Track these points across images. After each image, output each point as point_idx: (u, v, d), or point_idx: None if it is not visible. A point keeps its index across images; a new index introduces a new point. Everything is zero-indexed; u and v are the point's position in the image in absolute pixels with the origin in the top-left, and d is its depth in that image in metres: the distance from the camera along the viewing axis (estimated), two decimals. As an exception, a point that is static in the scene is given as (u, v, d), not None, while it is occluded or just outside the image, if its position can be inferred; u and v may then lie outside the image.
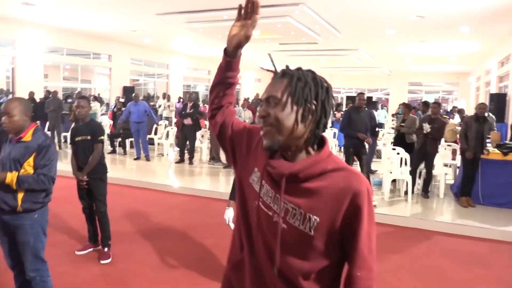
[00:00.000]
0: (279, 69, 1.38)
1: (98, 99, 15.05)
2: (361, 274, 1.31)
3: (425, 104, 10.35)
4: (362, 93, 7.25)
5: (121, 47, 18.21)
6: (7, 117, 2.77)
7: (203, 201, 7.11)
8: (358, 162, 6.99)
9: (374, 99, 28.07)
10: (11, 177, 2.73)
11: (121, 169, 9.63)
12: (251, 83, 28.77)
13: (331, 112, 1.35)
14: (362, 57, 19.96)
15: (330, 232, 1.29)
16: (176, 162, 10.22)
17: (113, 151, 11.27)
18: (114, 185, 7.75)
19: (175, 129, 11.72)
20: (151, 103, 15.53)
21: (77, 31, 15.51)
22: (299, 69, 1.34)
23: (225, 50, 1.49)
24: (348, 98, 24.40)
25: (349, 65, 23.63)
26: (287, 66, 1.36)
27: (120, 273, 4.12)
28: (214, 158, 10.17)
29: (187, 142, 10.11)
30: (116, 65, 18.64)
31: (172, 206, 6.75)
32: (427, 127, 7.06)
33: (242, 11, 1.44)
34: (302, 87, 1.28)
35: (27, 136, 2.83)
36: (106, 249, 4.45)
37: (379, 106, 17.32)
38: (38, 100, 12.68)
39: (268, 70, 1.48)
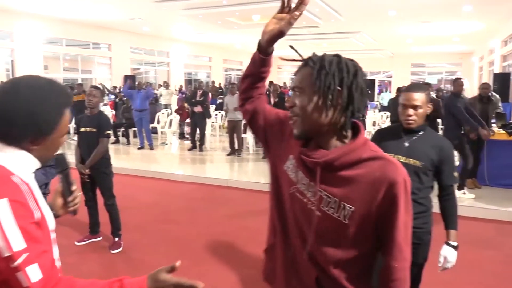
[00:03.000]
0: (305, 57, 1.34)
1: (100, 89, 14.99)
2: (398, 265, 1.31)
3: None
4: (459, 78, 6.70)
5: (121, 36, 18.11)
6: None
7: (209, 189, 7.11)
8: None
9: (377, 82, 28.00)
10: None
11: (125, 158, 9.62)
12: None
13: (362, 97, 1.29)
14: (364, 39, 19.80)
15: (364, 221, 1.28)
16: (189, 149, 10.22)
17: (117, 141, 11.27)
18: (118, 175, 7.71)
19: (178, 117, 11.69)
20: (155, 91, 15.48)
21: (75, 21, 15.41)
22: (323, 56, 1.29)
23: (259, 44, 1.45)
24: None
25: (351, 48, 23.40)
26: (313, 54, 1.32)
27: (130, 262, 4.14)
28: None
29: (197, 129, 10.09)
30: (116, 55, 18.56)
31: (178, 194, 6.75)
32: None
33: (285, 3, 1.38)
34: (324, 74, 1.25)
35: None
36: (116, 239, 4.48)
37: (384, 89, 17.16)
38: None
39: (288, 60, 1.42)
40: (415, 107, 2.31)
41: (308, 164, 1.32)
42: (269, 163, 1.54)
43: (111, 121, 11.72)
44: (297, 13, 1.36)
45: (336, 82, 1.25)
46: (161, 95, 15.60)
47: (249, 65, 1.55)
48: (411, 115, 2.31)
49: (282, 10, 1.39)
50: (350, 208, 1.27)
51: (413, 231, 2.15)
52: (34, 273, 1.06)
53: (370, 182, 1.25)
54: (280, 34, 1.39)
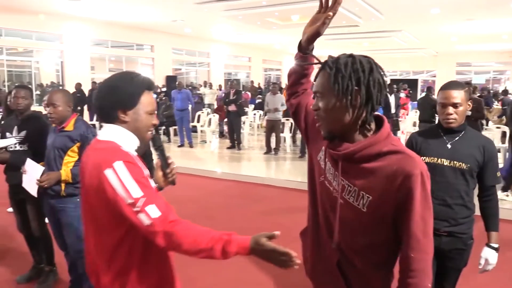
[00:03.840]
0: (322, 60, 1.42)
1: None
2: (415, 255, 1.34)
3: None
4: None
5: (163, 37, 18.57)
6: (52, 108, 2.93)
7: (245, 186, 7.22)
8: None
9: (420, 82, 27.23)
10: (65, 174, 2.92)
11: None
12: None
13: (381, 90, 1.35)
14: (405, 38, 19.33)
15: (381, 211, 1.35)
16: (228, 148, 10.40)
17: (158, 139, 11.58)
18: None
19: (217, 116, 11.90)
20: (197, 92, 15.80)
21: (120, 23, 15.96)
22: (337, 59, 1.35)
23: (299, 43, 1.55)
24: (392, 81, 23.72)
25: (392, 47, 22.93)
26: (329, 57, 1.38)
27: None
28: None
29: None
30: (159, 55, 19.05)
31: (216, 191, 6.90)
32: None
33: (323, 3, 1.46)
34: (341, 77, 1.31)
35: (69, 126, 2.98)
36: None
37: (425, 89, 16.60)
38: (86, 92, 13.23)
39: (316, 63, 1.53)
40: (454, 105, 2.18)
41: (333, 155, 1.43)
42: (308, 153, 1.67)
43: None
44: (331, 13, 1.42)
45: (353, 83, 1.31)
46: (204, 95, 15.88)
47: (295, 63, 1.65)
48: (451, 114, 2.19)
49: (319, 10, 1.46)
50: (368, 197, 1.35)
51: (459, 236, 2.22)
52: (153, 211, 1.34)
53: (388, 174, 1.32)
54: (316, 34, 1.47)
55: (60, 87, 14.49)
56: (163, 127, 11.69)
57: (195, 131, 11.90)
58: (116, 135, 1.51)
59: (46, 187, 2.91)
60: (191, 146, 10.63)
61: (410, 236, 1.34)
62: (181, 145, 10.71)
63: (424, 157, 2.23)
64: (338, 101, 1.33)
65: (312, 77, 1.72)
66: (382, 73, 1.37)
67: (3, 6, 12.75)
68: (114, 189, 1.35)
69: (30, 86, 15.02)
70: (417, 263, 1.35)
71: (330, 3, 1.43)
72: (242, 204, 6.12)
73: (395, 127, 9.49)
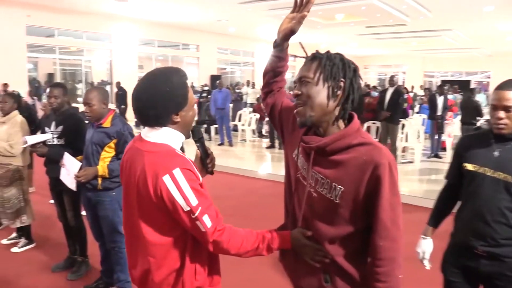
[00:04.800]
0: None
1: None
2: (383, 244, 1.38)
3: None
4: None
5: (208, 37, 18.85)
6: (88, 107, 3.02)
7: (282, 187, 7.12)
8: None
9: (473, 83, 26.01)
10: (102, 169, 3.01)
11: (205, 154, 10.03)
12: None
13: (358, 91, 1.45)
14: (457, 37, 18.52)
15: (354, 201, 1.40)
16: (267, 147, 10.41)
17: (199, 137, 11.77)
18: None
19: (258, 115, 11.91)
20: (237, 90, 15.89)
21: (166, 23, 16.35)
22: (327, 52, 1.46)
23: (275, 41, 1.65)
24: (443, 82, 22.76)
25: (442, 46, 22.04)
26: (317, 51, 1.47)
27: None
28: None
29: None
30: (204, 55, 19.36)
31: (252, 190, 6.91)
32: None
33: (297, 3, 1.57)
34: (331, 65, 1.41)
35: (106, 123, 3.07)
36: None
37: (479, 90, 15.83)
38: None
39: (300, 57, 1.62)
40: (507, 109, 1.88)
41: (306, 149, 1.49)
42: (284, 151, 1.70)
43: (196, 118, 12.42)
44: (306, 13, 1.55)
45: (340, 74, 1.41)
46: (246, 94, 15.96)
47: (267, 62, 1.72)
48: (501, 118, 1.89)
49: (293, 10, 1.57)
50: (340, 188, 1.40)
51: (503, 260, 1.93)
52: (207, 221, 1.41)
53: (358, 165, 1.38)
54: (291, 32, 1.59)
55: (109, 85, 15.04)
56: (205, 126, 11.84)
57: (236, 130, 11.98)
58: (169, 137, 1.49)
59: (83, 182, 3.02)
60: (230, 145, 10.71)
61: (378, 224, 1.39)
62: (221, 144, 10.81)
63: (466, 164, 2.01)
64: (325, 87, 1.40)
65: (285, 75, 1.79)
66: (360, 79, 1.48)
67: (57, 8, 13.42)
68: (172, 196, 1.37)
69: (79, 84, 15.73)
70: (386, 251, 1.38)
71: (304, 3, 1.54)
72: (276, 203, 5.99)
73: (440, 130, 9.10)
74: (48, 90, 3.60)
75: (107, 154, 3.06)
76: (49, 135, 3.53)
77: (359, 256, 1.49)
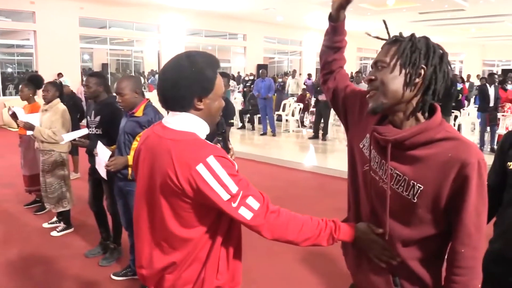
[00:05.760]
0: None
1: (233, 77, 15.82)
2: (465, 251, 1.26)
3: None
4: None
5: (255, 26, 18.78)
6: (120, 96, 3.01)
7: (324, 179, 6.98)
8: None
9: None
10: (132, 158, 2.97)
11: (247, 143, 10.00)
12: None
13: (444, 81, 1.28)
14: (521, 23, 17.27)
15: (434, 202, 1.27)
16: (310, 138, 10.22)
17: (243, 127, 11.77)
18: (238, 159, 8.09)
19: (301, 105, 11.71)
20: (279, 80, 15.71)
21: (213, 13, 16.42)
22: (412, 35, 1.30)
23: (330, 14, 1.51)
24: (504, 71, 21.34)
25: (505, 33, 20.67)
26: (400, 33, 1.32)
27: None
28: None
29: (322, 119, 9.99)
30: (251, 44, 19.32)
31: (292, 181, 6.77)
32: None
33: None
34: (411, 51, 1.26)
35: (139, 112, 3.04)
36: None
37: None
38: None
39: (377, 38, 1.44)
40: None
41: (380, 142, 1.33)
42: (348, 141, 1.56)
43: (240, 107, 12.42)
44: None
45: (422, 60, 1.25)
46: (288, 85, 15.78)
47: (323, 39, 1.59)
48: None
49: None
50: (420, 187, 1.26)
51: None
52: (253, 203, 1.31)
53: (442, 162, 1.24)
54: (347, 0, 1.45)
55: (156, 75, 15.35)
56: (248, 115, 11.81)
57: (280, 120, 11.84)
58: (194, 125, 1.38)
59: (113, 171, 3.02)
60: (273, 135, 10.60)
61: (461, 229, 1.26)
62: (264, 134, 10.72)
63: (510, 163, 1.78)
64: (401, 74, 1.26)
65: (345, 53, 1.62)
66: (449, 66, 1.31)
67: (108, 0, 13.80)
68: (209, 186, 1.27)
69: (129, 73, 16.16)
70: (467, 260, 1.26)
71: None
72: (318, 196, 5.90)
73: (493, 122, 8.52)
74: (85, 79, 3.65)
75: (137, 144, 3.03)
76: (86, 131, 3.57)
77: (434, 261, 1.37)
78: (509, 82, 12.41)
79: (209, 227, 1.37)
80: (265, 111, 10.64)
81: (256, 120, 11.75)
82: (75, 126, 5.41)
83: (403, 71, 1.26)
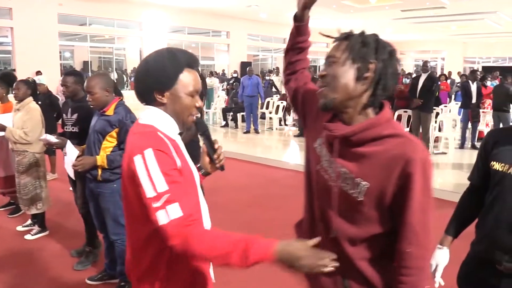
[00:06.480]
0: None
1: (217, 75, 15.72)
2: (411, 250, 1.25)
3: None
4: None
5: (238, 23, 18.70)
6: (90, 95, 2.93)
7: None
8: None
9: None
10: (101, 159, 2.91)
11: (230, 141, 9.94)
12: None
13: (393, 77, 1.28)
14: (501, 20, 17.47)
15: (379, 200, 1.25)
16: (295, 136, 10.21)
17: (226, 125, 11.70)
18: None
19: (285, 103, 11.68)
20: (267, 77, 15.65)
21: (196, 9, 16.28)
22: (362, 32, 1.32)
23: (295, 15, 1.51)
24: (484, 69, 21.62)
25: (485, 30, 20.91)
26: (351, 30, 1.33)
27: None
28: None
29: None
30: (234, 42, 19.23)
31: (272, 180, 6.74)
32: None
33: None
34: (361, 45, 1.26)
35: (110, 111, 2.96)
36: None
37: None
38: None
39: (328, 36, 1.42)
40: None
41: (329, 139, 1.33)
42: (305, 141, 1.54)
43: (224, 105, 12.33)
44: None
45: (371, 55, 1.25)
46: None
47: (288, 40, 1.59)
48: None
49: None
50: (365, 184, 1.25)
51: None
52: (174, 211, 1.22)
53: (387, 159, 1.23)
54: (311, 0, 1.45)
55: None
56: (231, 113, 11.74)
57: (264, 118, 11.80)
58: (155, 118, 1.39)
59: (80, 171, 2.94)
60: (257, 132, 10.57)
61: (407, 228, 1.24)
62: (247, 132, 10.67)
63: (494, 163, 1.71)
64: (352, 68, 1.25)
65: (308, 54, 1.61)
66: (399, 64, 1.31)
67: (88, -5, 13.58)
68: (139, 178, 1.24)
69: (109, 71, 15.93)
70: (414, 259, 1.25)
71: None
72: (297, 194, 5.78)
73: (475, 119, 8.61)
74: (62, 78, 3.57)
75: (109, 143, 2.95)
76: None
77: (383, 261, 1.34)
78: (489, 79, 12.56)
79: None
80: (250, 109, 10.55)
81: (239, 118, 11.68)
82: (52, 126, 5.29)
83: (353, 65, 1.25)
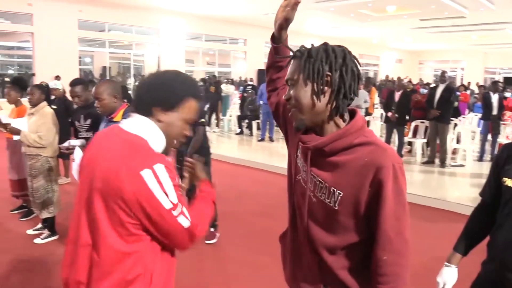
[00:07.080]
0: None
1: (233, 82, 15.76)
2: (387, 258, 1.25)
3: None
4: None
5: (255, 31, 18.71)
6: (98, 101, 2.94)
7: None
8: None
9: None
10: None
11: (245, 150, 9.91)
12: (391, 63, 27.10)
13: (354, 79, 1.28)
14: (523, 31, 17.19)
15: (354, 208, 1.27)
16: None
17: (241, 132, 11.67)
18: (233, 165, 8.02)
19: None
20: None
21: (214, 17, 16.39)
22: (310, 46, 1.32)
23: (272, 34, 1.53)
24: (506, 79, 21.15)
25: (506, 41, 20.60)
26: (301, 47, 1.33)
27: (219, 253, 4.17)
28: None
29: None
30: (251, 49, 19.28)
31: (283, 189, 6.63)
32: None
33: None
34: (312, 62, 1.26)
35: (118, 117, 2.97)
36: (212, 230, 4.52)
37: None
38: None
39: (282, 57, 1.55)
40: None
41: (303, 150, 1.36)
42: (288, 153, 1.58)
43: (238, 112, 12.33)
44: None
45: (324, 68, 1.25)
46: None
47: (268, 57, 1.64)
48: None
49: None
50: (340, 193, 1.27)
51: None
52: (187, 217, 1.34)
53: (359, 167, 1.24)
54: (286, 21, 1.45)
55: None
56: (246, 120, 11.72)
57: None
58: (147, 130, 1.36)
59: None
60: (271, 140, 10.52)
61: (381, 234, 1.25)
62: (262, 139, 10.63)
63: (506, 179, 1.65)
64: (310, 86, 1.27)
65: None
66: (355, 61, 1.30)
67: (107, 2, 13.81)
68: (152, 193, 1.26)
69: (127, 77, 16.08)
70: (389, 266, 1.25)
71: None
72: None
73: (495, 131, 8.39)
74: (69, 88, 3.60)
75: None
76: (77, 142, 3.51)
77: (362, 270, 1.34)
78: (509, 90, 12.29)
79: (141, 237, 1.33)
80: (267, 117, 10.44)
81: (254, 126, 11.65)
82: (66, 130, 5.33)
83: (310, 83, 1.26)
